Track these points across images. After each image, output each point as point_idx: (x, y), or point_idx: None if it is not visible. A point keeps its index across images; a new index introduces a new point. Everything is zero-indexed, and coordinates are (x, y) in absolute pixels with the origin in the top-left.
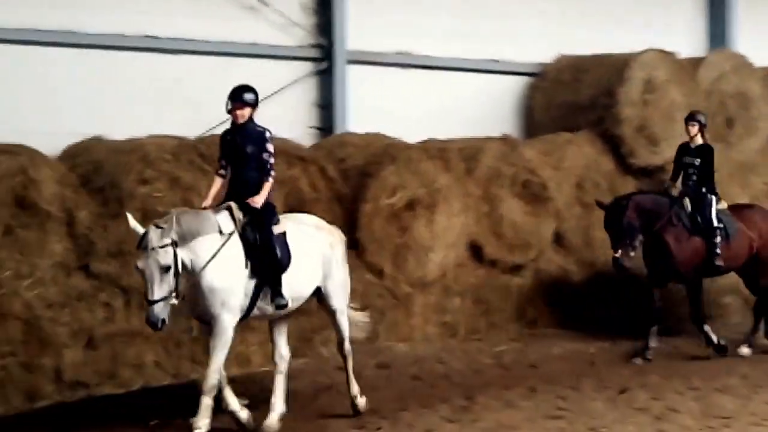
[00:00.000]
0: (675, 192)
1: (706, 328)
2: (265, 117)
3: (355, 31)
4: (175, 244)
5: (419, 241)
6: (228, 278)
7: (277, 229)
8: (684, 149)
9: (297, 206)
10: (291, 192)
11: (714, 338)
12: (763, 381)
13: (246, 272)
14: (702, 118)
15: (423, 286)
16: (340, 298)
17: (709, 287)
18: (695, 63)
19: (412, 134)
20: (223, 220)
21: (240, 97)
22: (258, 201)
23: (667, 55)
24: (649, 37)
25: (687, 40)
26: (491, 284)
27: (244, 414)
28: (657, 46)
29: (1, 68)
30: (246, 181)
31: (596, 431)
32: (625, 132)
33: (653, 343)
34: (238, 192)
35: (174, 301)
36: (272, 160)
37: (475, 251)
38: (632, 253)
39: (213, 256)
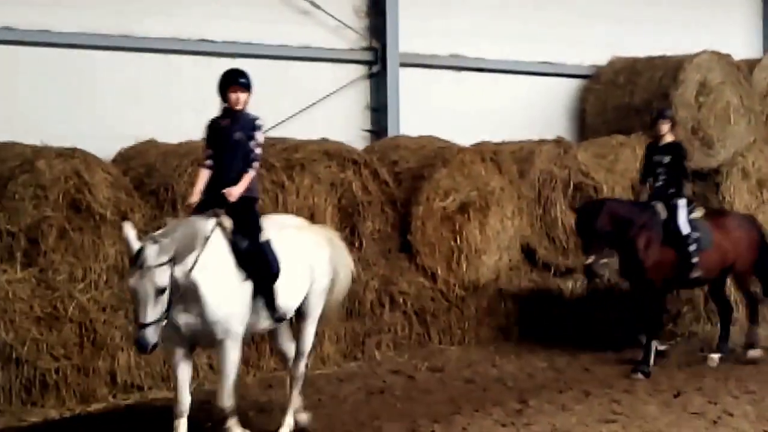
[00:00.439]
0: (645, 195)
1: (654, 344)
2: (318, 120)
3: (408, 34)
4: (172, 261)
5: (472, 244)
6: (229, 302)
7: (263, 235)
8: (652, 148)
9: (350, 209)
10: (344, 195)
11: (652, 358)
12: None
13: (245, 288)
14: (672, 114)
15: (476, 289)
16: (317, 305)
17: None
18: (750, 65)
19: (464, 137)
20: (212, 229)
21: (237, 79)
22: (234, 194)
23: (721, 57)
24: (704, 39)
25: (742, 41)
26: (544, 287)
27: None
28: (712, 48)
29: (55, 72)
30: (227, 171)
31: None
32: (679, 135)
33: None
34: (218, 184)
35: (164, 322)
36: (259, 151)
37: (528, 254)
38: (604, 260)
39: (210, 276)
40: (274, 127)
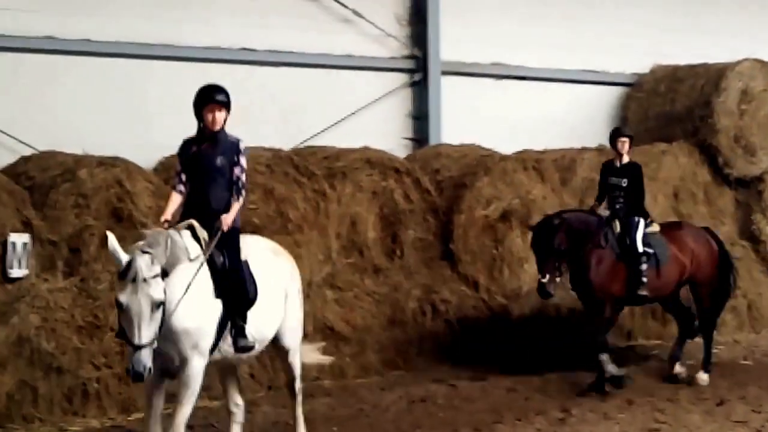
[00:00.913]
0: (602, 213)
1: (603, 357)
2: (360, 128)
3: (450, 42)
4: (164, 273)
5: (514, 253)
6: (200, 315)
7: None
8: (609, 168)
9: (391, 217)
10: (385, 203)
11: (610, 368)
12: None
13: (216, 305)
14: (630, 133)
15: (517, 297)
16: (295, 336)
17: None
18: None
19: (507, 145)
20: (189, 242)
21: (213, 97)
22: (227, 221)
23: (764, 65)
24: (746, 47)
25: None
26: None
27: None
28: (754, 56)
29: (96, 81)
30: (209, 200)
31: None
32: (721, 142)
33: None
34: (199, 212)
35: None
36: (244, 178)
37: None
38: (558, 279)
39: (186, 289)
40: (315, 135)
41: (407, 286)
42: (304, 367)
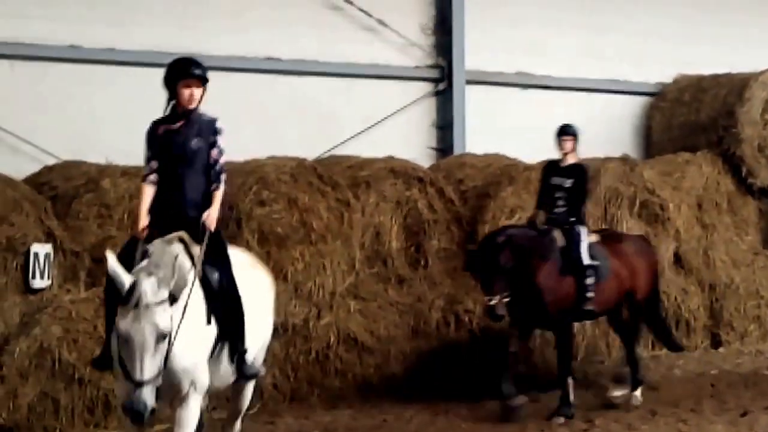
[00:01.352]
0: (542, 219)
1: (570, 381)
2: (384, 137)
3: (474, 51)
4: (172, 299)
5: None
6: (198, 347)
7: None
8: (552, 168)
9: (415, 227)
10: (409, 213)
11: (572, 397)
12: None
13: (211, 332)
14: (576, 131)
15: None
16: (261, 358)
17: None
18: None
19: (531, 154)
20: (182, 258)
21: (190, 70)
22: (213, 218)
23: None
24: None
25: None
26: None
27: None
28: None
29: (120, 90)
30: (183, 189)
31: None
32: (745, 152)
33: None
34: (173, 204)
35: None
36: (223, 161)
37: None
38: (507, 299)
39: (182, 316)
40: (340, 144)
41: (431, 297)
42: None
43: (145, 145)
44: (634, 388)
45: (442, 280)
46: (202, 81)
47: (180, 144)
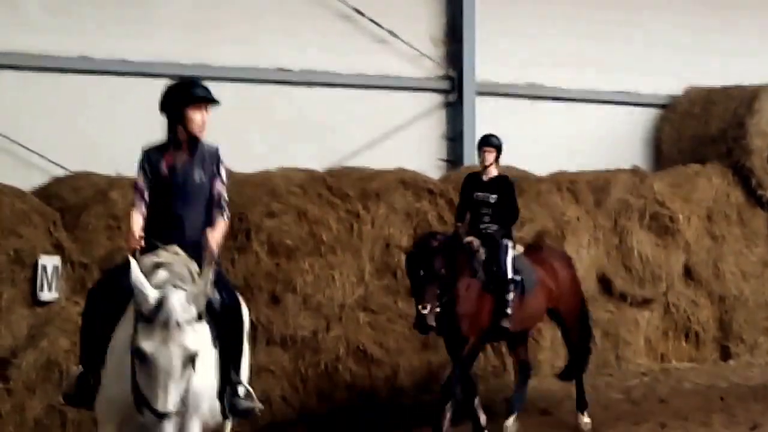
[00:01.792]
0: (463, 234)
1: (477, 401)
2: (394, 148)
3: (484, 63)
4: (200, 317)
5: None
6: (205, 371)
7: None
8: (474, 182)
9: None
10: (419, 225)
11: (482, 419)
12: None
13: (214, 356)
14: (498, 143)
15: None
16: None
17: None
18: None
19: (541, 166)
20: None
21: (202, 93)
22: (215, 241)
23: None
24: None
25: None
26: (620, 318)
27: None
28: None
29: (130, 101)
30: (182, 227)
31: None
32: (754, 163)
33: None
34: (173, 238)
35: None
36: (225, 193)
37: (605, 284)
38: (438, 309)
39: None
40: (350, 156)
41: None
42: None
43: (138, 175)
44: (581, 410)
45: None
46: (211, 105)
47: (183, 178)
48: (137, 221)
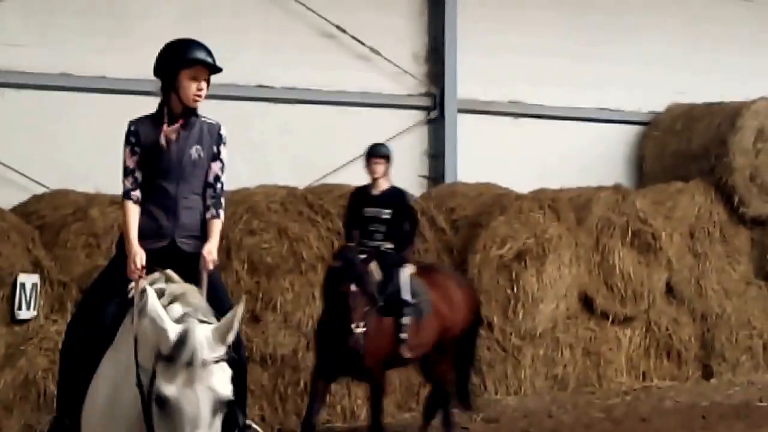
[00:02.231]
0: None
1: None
2: None
3: (466, 80)
4: (229, 357)
5: (529, 293)
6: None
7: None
8: (362, 197)
9: None
10: None
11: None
12: None
13: None
14: (388, 153)
15: (532, 338)
16: None
17: None
18: None
19: (523, 184)
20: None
21: (200, 56)
22: (214, 252)
23: None
24: (762, 86)
25: None
26: (602, 336)
27: None
28: None
29: (111, 118)
30: (176, 211)
31: None
32: (737, 181)
33: None
34: (163, 233)
35: None
36: (224, 177)
37: (586, 302)
38: (364, 328)
39: None
40: (331, 173)
41: None
42: None
43: (125, 152)
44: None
45: None
46: (211, 71)
47: (176, 153)
48: (134, 238)
